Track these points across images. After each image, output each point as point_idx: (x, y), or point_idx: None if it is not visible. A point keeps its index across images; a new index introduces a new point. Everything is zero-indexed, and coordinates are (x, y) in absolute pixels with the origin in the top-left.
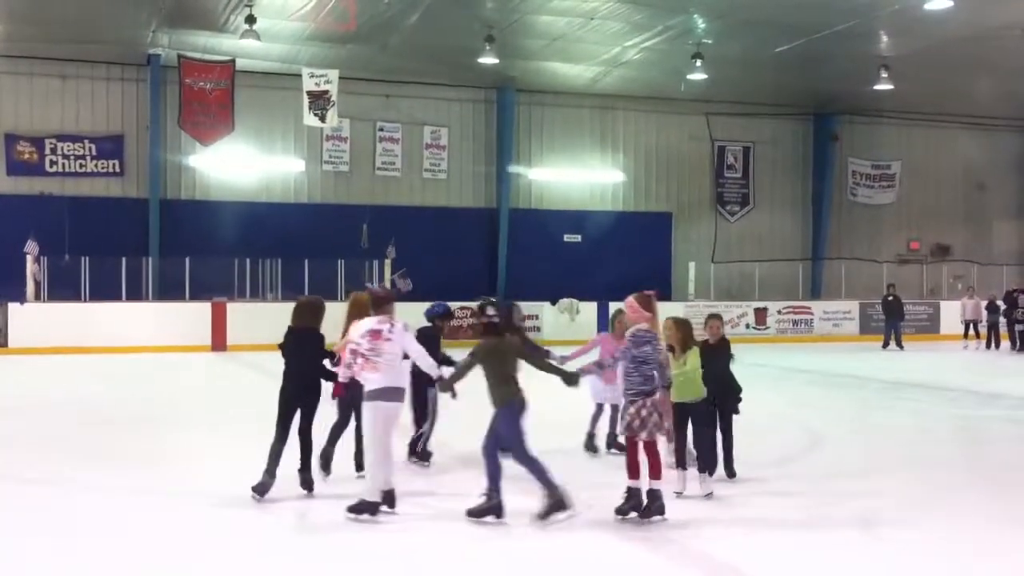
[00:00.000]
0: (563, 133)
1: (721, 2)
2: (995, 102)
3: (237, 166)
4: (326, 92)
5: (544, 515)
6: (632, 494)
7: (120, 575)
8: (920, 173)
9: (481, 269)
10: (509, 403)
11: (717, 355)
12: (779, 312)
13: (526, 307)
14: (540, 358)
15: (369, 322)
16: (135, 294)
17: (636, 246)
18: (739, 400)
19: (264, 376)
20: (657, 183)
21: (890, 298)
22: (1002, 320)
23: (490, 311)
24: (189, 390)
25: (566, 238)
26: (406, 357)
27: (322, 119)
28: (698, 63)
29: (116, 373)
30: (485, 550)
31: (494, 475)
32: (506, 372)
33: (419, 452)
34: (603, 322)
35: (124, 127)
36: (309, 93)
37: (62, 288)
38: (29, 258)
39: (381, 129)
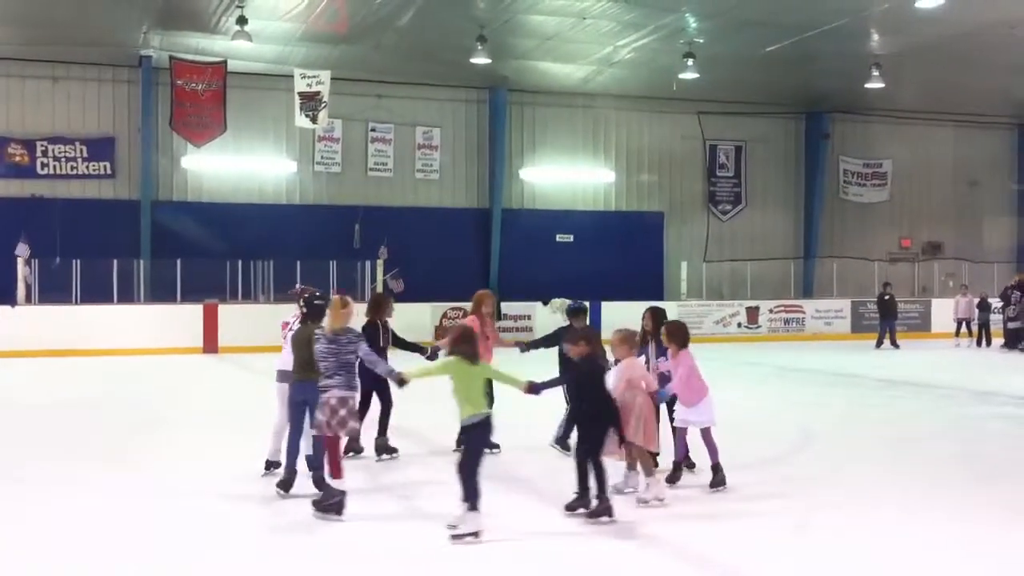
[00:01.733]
0: (555, 133)
1: (712, 1)
2: (986, 100)
3: (229, 167)
4: (318, 93)
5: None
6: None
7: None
8: (911, 171)
9: (474, 269)
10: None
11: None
12: (771, 311)
13: (518, 307)
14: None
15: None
16: (127, 296)
17: (628, 245)
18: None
19: (257, 376)
20: (649, 182)
21: (886, 297)
22: (997, 317)
23: None
24: (182, 391)
25: (558, 238)
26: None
27: (314, 120)
28: (690, 62)
29: (108, 375)
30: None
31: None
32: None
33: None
34: (595, 322)
35: (115, 129)
36: (301, 94)
37: (54, 291)
38: (20, 261)
39: (373, 130)
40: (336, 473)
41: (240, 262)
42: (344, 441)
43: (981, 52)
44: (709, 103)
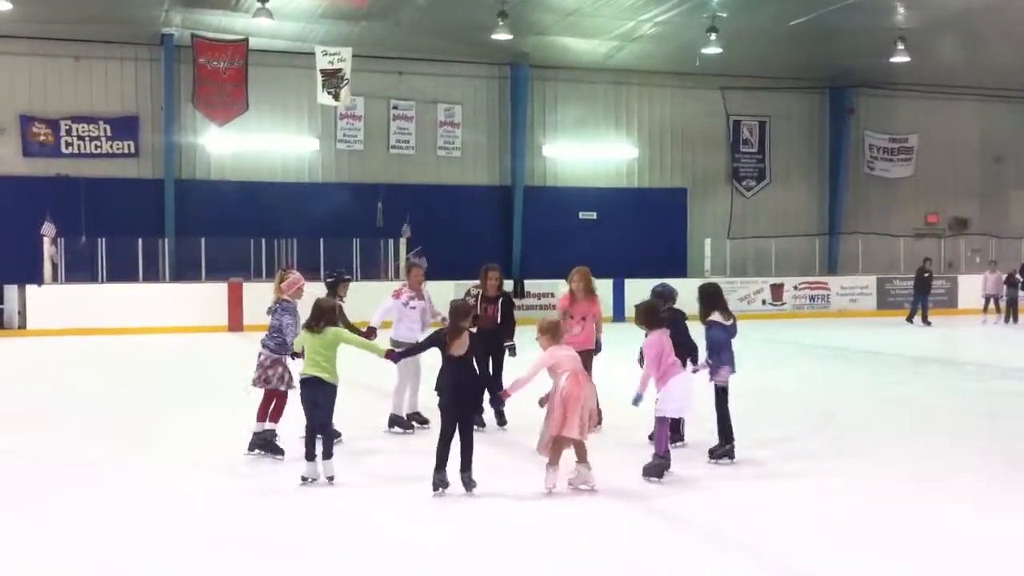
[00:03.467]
0: (577, 109)
1: None
2: (1013, 73)
3: (251, 146)
4: (339, 70)
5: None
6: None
7: (149, 552)
8: (937, 146)
9: (496, 247)
10: None
11: None
12: (795, 288)
13: (541, 285)
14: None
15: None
16: (152, 275)
17: (651, 223)
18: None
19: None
20: (672, 159)
21: (925, 274)
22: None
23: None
24: (207, 370)
25: (581, 215)
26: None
27: (335, 97)
28: (713, 37)
29: (133, 354)
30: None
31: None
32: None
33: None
34: (619, 299)
35: (138, 108)
36: (322, 71)
37: (79, 270)
38: (46, 240)
39: (395, 107)
40: (262, 417)
41: (264, 240)
42: (286, 397)
43: (1007, 25)
44: (732, 78)
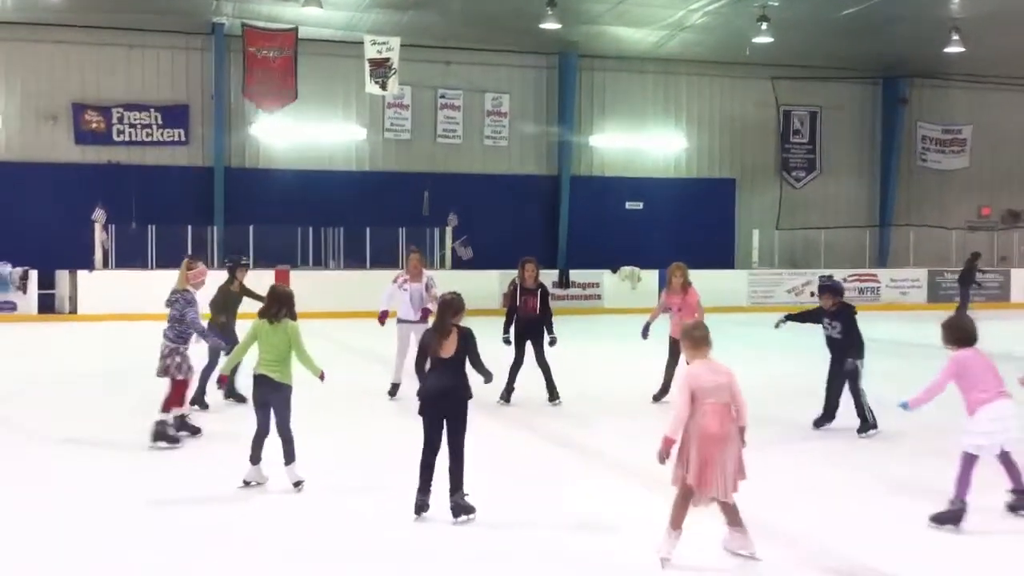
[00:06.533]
0: (626, 99)
1: None
2: None
3: (300, 134)
4: (387, 60)
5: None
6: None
7: (202, 537)
8: (992, 137)
9: (542, 237)
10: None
11: None
12: (845, 280)
13: (587, 275)
14: None
15: None
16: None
17: (699, 213)
18: None
19: (327, 343)
20: (721, 149)
21: (976, 267)
22: None
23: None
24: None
25: (628, 205)
26: None
27: (383, 87)
28: (763, 26)
29: None
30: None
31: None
32: None
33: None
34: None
35: (189, 96)
36: (370, 61)
37: (129, 256)
38: (97, 226)
39: (442, 96)
40: (166, 406)
41: (311, 229)
42: (185, 385)
43: None
44: (783, 68)
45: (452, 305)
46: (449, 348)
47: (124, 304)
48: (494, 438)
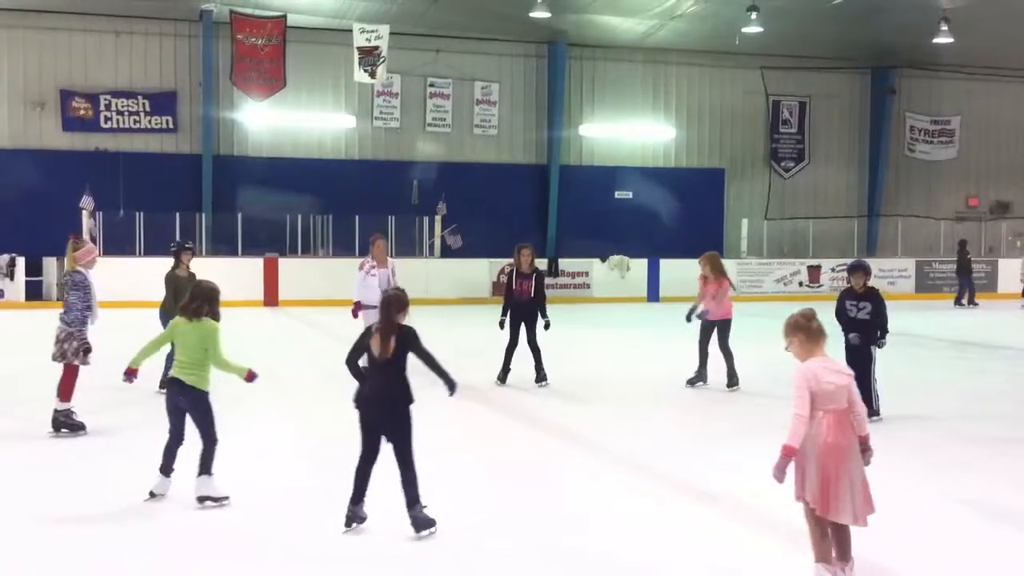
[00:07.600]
0: (615, 88)
1: None
2: None
3: (288, 122)
4: (376, 48)
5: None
6: None
7: (203, 530)
8: (980, 128)
9: (531, 226)
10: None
11: None
12: (833, 270)
13: (576, 264)
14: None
15: None
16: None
17: (688, 203)
18: None
19: (315, 330)
20: (710, 139)
21: (967, 256)
22: None
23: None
24: (244, 344)
25: (617, 195)
26: None
27: (372, 75)
28: (753, 16)
29: None
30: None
31: None
32: None
33: None
34: (653, 279)
35: (177, 83)
36: (359, 49)
37: (117, 243)
38: (85, 213)
39: (431, 85)
40: (63, 394)
41: (300, 216)
42: (77, 371)
43: None
44: (773, 58)
45: (396, 301)
46: (387, 349)
47: (112, 291)
48: (490, 432)
